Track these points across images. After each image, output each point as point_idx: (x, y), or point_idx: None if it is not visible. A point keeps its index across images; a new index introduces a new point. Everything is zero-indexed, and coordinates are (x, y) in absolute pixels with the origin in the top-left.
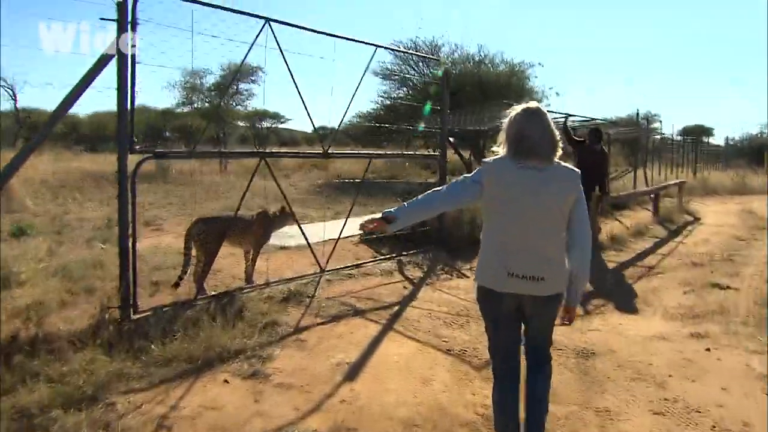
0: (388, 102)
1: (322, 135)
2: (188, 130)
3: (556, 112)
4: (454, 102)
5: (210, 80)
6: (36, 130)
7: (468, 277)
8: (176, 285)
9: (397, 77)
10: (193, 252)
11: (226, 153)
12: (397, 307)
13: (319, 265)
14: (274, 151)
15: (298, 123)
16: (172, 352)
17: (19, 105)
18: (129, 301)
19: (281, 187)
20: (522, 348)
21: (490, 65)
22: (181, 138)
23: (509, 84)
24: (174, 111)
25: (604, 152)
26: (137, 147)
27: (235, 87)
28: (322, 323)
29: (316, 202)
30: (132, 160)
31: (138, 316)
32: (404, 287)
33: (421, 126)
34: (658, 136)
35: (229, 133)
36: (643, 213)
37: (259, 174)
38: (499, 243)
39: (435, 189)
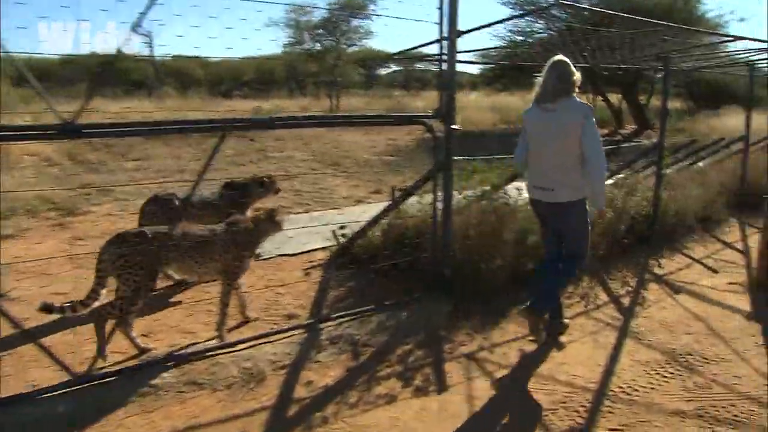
0: (521, 38)
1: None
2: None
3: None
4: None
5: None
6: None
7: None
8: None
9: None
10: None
11: None
12: None
13: (68, 372)
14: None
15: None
16: None
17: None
18: None
19: None
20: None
21: None
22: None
23: (670, 12)
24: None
25: None
26: None
27: (347, 24)
28: None
29: (377, 173)
30: None
31: None
32: None
33: None
34: None
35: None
36: None
37: None
38: (533, 164)
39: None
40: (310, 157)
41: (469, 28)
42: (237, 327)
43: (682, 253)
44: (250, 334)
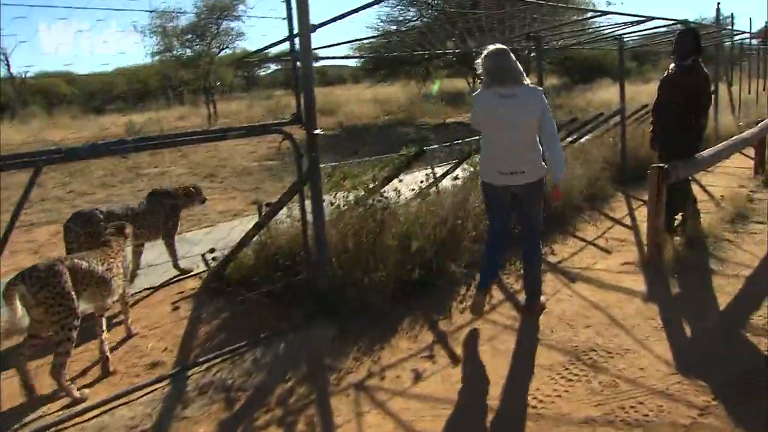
0: (394, 27)
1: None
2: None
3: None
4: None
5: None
6: (46, 96)
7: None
8: None
9: None
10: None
11: None
12: None
13: None
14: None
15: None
16: None
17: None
18: None
19: None
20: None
21: None
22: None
23: None
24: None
25: (698, 72)
26: None
27: (216, 27)
28: None
29: (251, 181)
30: None
31: None
32: None
33: None
34: (744, 40)
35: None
36: (735, 162)
37: None
38: (492, 151)
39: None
40: (187, 171)
41: (328, 18)
42: (88, 385)
43: (574, 236)
44: (104, 394)
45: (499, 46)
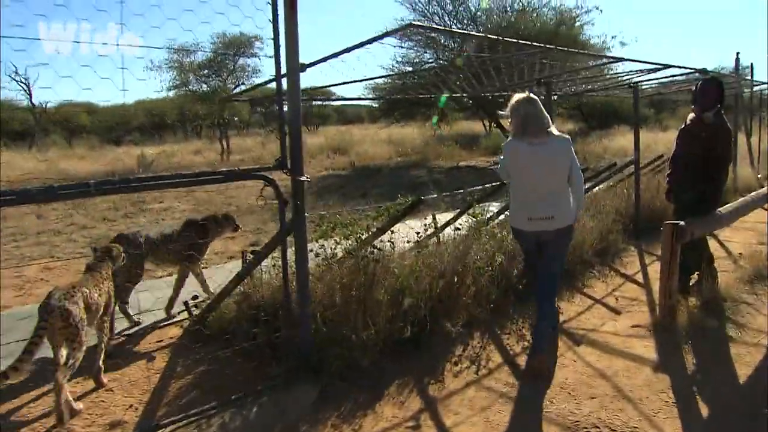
0: (409, 68)
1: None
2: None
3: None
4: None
5: (200, 57)
6: (66, 126)
7: None
8: None
9: (420, 38)
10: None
11: None
12: None
13: None
14: None
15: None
16: None
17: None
18: None
19: None
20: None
21: (533, 15)
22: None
23: (556, 36)
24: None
25: (720, 124)
26: None
27: (233, 63)
28: None
29: (254, 221)
30: None
31: None
32: None
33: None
34: (763, 90)
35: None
36: (754, 216)
37: None
38: (521, 198)
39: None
40: (191, 207)
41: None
42: None
43: (582, 293)
44: None
45: (529, 94)
